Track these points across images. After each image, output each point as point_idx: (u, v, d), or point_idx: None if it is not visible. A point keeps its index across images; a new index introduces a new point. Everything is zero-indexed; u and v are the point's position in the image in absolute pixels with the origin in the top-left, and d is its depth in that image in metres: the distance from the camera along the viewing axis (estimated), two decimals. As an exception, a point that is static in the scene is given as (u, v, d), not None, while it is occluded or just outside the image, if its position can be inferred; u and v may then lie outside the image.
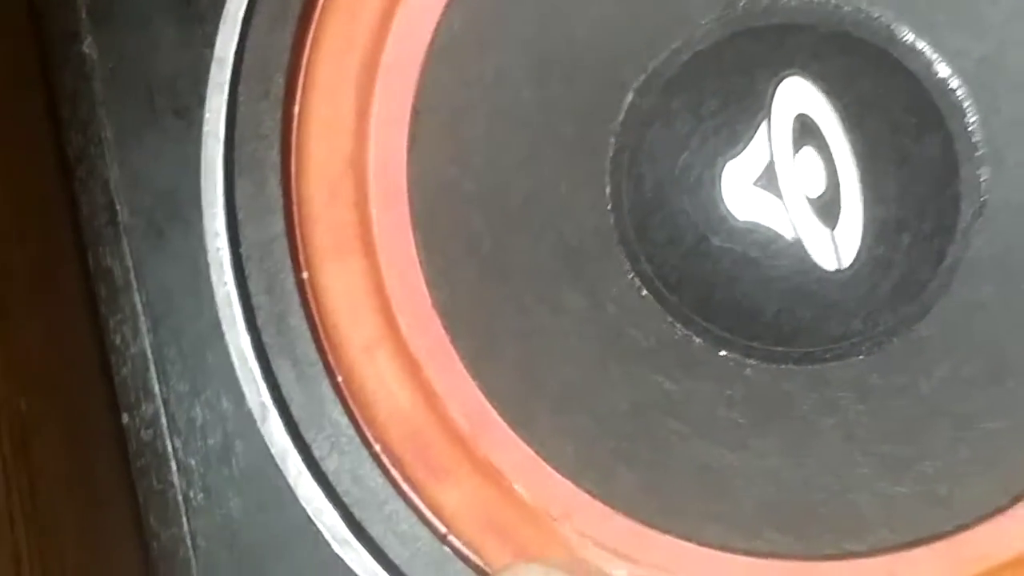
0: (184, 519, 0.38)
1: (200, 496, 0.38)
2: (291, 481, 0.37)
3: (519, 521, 0.37)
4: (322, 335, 0.38)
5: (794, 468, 0.39)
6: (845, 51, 0.40)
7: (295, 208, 0.37)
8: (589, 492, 0.38)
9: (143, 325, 0.39)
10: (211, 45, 0.38)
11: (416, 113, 0.38)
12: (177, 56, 0.39)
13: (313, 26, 0.37)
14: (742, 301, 0.40)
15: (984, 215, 0.39)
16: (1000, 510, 0.37)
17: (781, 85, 0.40)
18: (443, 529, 0.37)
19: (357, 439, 0.37)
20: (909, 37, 0.40)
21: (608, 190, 0.40)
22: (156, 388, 0.39)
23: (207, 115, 0.37)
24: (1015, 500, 0.37)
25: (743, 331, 0.40)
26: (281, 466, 0.37)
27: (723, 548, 0.37)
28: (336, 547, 0.37)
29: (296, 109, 0.38)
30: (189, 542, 0.38)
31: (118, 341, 0.39)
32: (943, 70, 0.40)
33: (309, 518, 0.37)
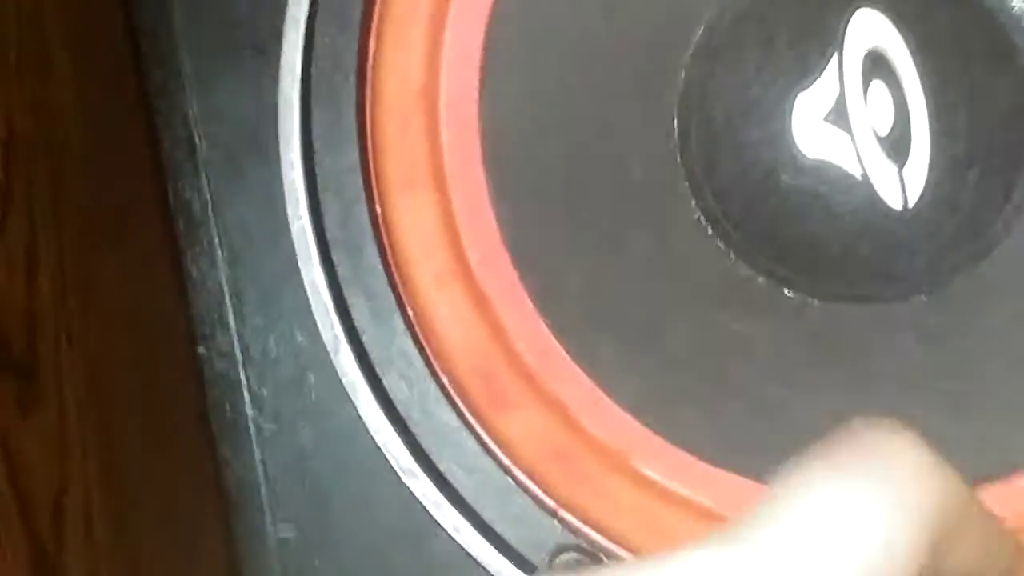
0: (256, 448, 0.39)
1: (272, 426, 0.40)
2: (361, 412, 0.38)
3: (583, 452, 0.38)
4: (394, 268, 0.38)
5: (854, 406, 0.39)
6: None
7: (369, 140, 0.38)
8: (650, 427, 0.38)
9: (220, 258, 0.40)
10: (284, -19, 0.38)
11: (488, 46, 0.38)
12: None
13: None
14: (808, 239, 0.40)
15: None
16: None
17: (853, 17, 0.40)
18: (507, 460, 0.38)
19: (426, 371, 0.38)
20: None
21: (676, 127, 0.40)
22: (231, 320, 0.40)
23: (284, 49, 0.38)
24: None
25: (808, 270, 0.40)
26: (352, 397, 0.38)
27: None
28: (403, 476, 0.38)
29: (371, 41, 0.38)
30: (260, 470, 0.40)
31: (195, 273, 0.40)
32: (1018, 4, 0.39)
33: (378, 448, 0.38)
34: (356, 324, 0.38)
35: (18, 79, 0.62)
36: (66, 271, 0.60)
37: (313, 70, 0.37)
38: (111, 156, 0.56)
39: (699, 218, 0.40)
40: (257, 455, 0.40)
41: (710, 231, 0.40)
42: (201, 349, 0.40)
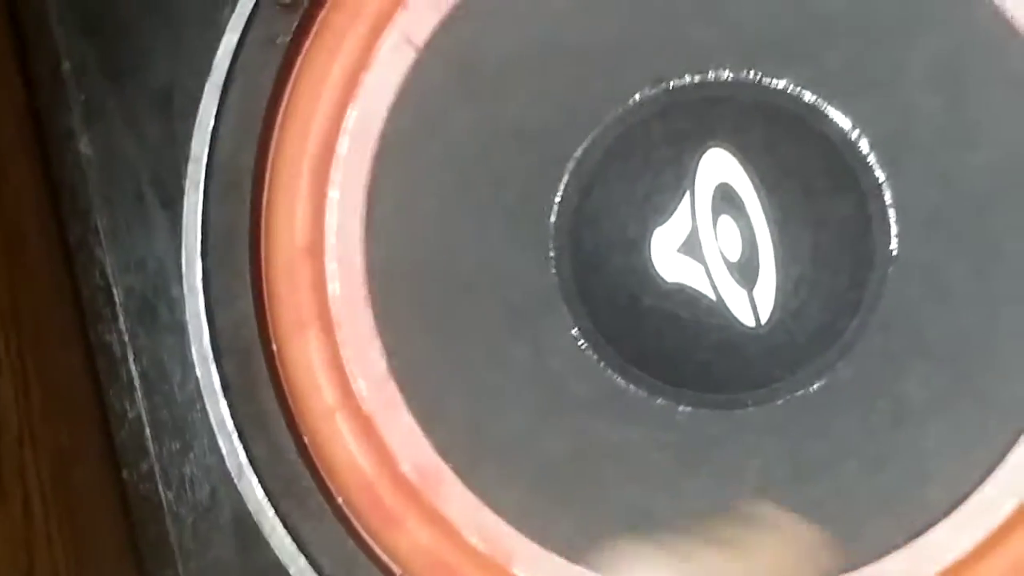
0: (179, 563, 0.44)
1: (191, 542, 0.44)
2: (266, 532, 0.42)
3: (466, 563, 0.42)
4: (289, 401, 0.43)
5: (718, 506, 0.43)
6: (765, 121, 0.43)
7: (263, 291, 0.42)
8: (529, 536, 0.42)
9: (138, 392, 0.44)
10: (190, 144, 0.43)
11: (370, 198, 0.43)
12: (163, 152, 0.44)
13: (276, 127, 0.42)
14: (674, 353, 0.44)
15: (896, 268, 0.43)
16: (897, 547, 0.41)
17: (704, 156, 0.44)
18: (398, 572, 0.42)
19: (320, 494, 0.42)
20: (824, 106, 0.43)
21: (552, 252, 0.44)
22: (151, 447, 0.44)
23: (186, 209, 0.42)
24: (912, 537, 0.41)
25: (675, 380, 0.44)
26: (257, 519, 0.42)
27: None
28: (306, 590, 0.42)
29: (263, 202, 0.42)
30: (185, 583, 0.44)
31: (117, 407, 0.44)
32: (857, 137, 0.43)
33: (282, 565, 0.42)
34: (254, 454, 0.42)
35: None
36: (28, 371, 0.64)
37: (211, 230, 0.41)
38: (62, 273, 0.60)
39: (574, 334, 0.44)
40: (180, 569, 0.44)
41: (585, 346, 0.44)
42: (125, 473, 0.44)
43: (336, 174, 0.43)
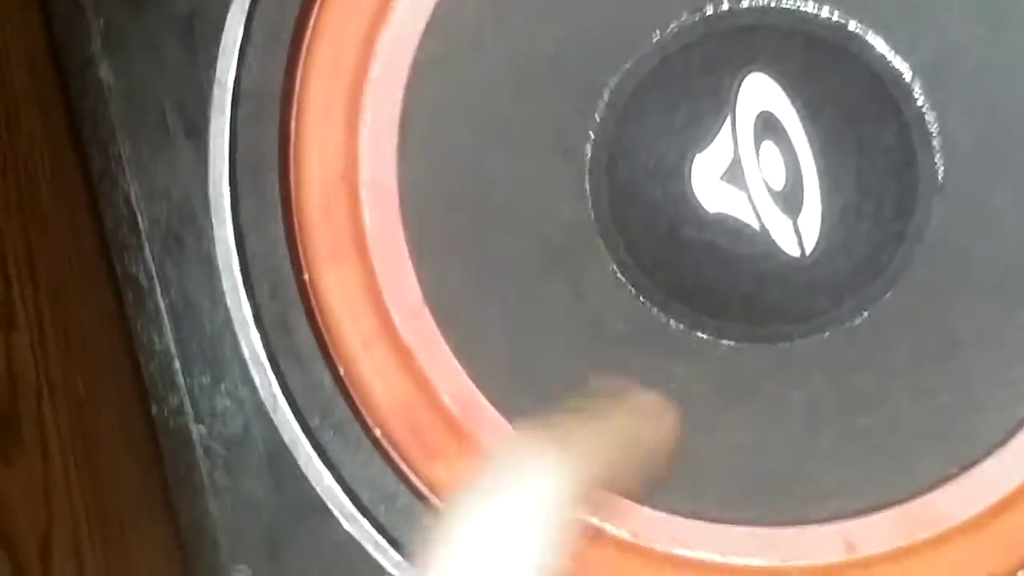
0: (210, 498, 0.43)
1: (223, 477, 0.43)
2: (302, 464, 0.41)
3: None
4: (324, 332, 0.42)
5: (761, 441, 0.42)
6: (805, 48, 0.42)
7: (295, 219, 0.41)
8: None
9: (167, 324, 0.43)
10: (214, 68, 0.41)
11: (403, 125, 0.42)
12: (185, 78, 0.43)
13: (304, 50, 0.41)
14: (716, 286, 0.43)
15: (940, 199, 0.42)
16: (950, 478, 0.40)
17: (744, 82, 0.43)
18: (438, 503, 0.41)
19: (358, 425, 0.41)
20: (865, 33, 0.42)
21: (588, 185, 0.43)
22: (181, 381, 0.43)
23: (212, 135, 0.41)
24: (965, 468, 0.40)
25: (716, 313, 0.43)
26: (292, 451, 0.41)
27: (693, 516, 0.41)
28: (345, 523, 0.41)
29: (292, 127, 0.41)
30: (214, 519, 0.43)
31: (145, 340, 0.43)
32: (900, 64, 0.42)
33: (319, 497, 0.41)
34: (289, 384, 0.41)
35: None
36: (44, 323, 0.63)
37: (238, 156, 0.40)
38: (80, 214, 0.59)
39: (613, 269, 0.43)
40: (211, 505, 0.43)
41: (624, 280, 0.43)
42: (155, 409, 0.43)
43: (368, 100, 0.41)
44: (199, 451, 0.43)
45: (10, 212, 0.62)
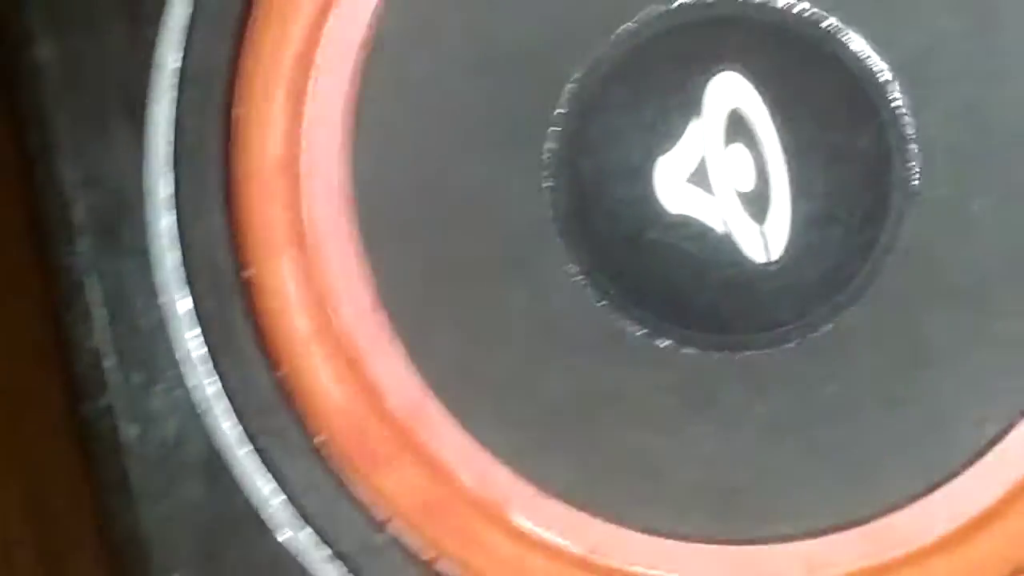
0: (141, 505, 0.40)
1: (156, 482, 0.40)
2: (238, 471, 0.39)
3: (458, 505, 0.39)
4: (265, 331, 0.39)
5: (722, 453, 0.40)
6: (778, 45, 0.41)
7: (236, 211, 0.39)
8: (524, 477, 0.39)
9: (98, 320, 0.40)
10: (157, 50, 0.39)
11: (354, 113, 0.40)
12: (127, 59, 0.40)
13: (250, 34, 0.39)
14: (677, 291, 0.41)
15: (914, 205, 0.40)
16: (920, 495, 0.39)
17: (713, 80, 0.41)
18: (382, 515, 0.39)
19: (300, 431, 0.39)
20: (843, 30, 0.41)
21: (547, 182, 0.41)
22: (113, 380, 0.41)
23: (151, 120, 0.39)
24: (935, 485, 0.39)
25: (678, 320, 0.41)
26: (229, 457, 0.39)
27: (648, 531, 0.39)
28: (279, 534, 0.39)
29: (235, 114, 0.39)
30: (147, 526, 0.41)
31: (75, 336, 0.41)
32: (877, 63, 0.41)
33: (255, 506, 0.39)
34: (227, 386, 0.38)
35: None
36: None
37: (179, 142, 0.38)
38: (6, 200, 0.57)
39: (573, 272, 0.41)
40: (143, 511, 0.41)
41: (583, 283, 0.41)
42: (84, 409, 0.41)
43: (315, 86, 0.39)
44: (131, 455, 0.41)
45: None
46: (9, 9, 0.41)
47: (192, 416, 0.40)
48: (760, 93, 0.40)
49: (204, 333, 0.39)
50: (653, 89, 0.40)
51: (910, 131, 0.40)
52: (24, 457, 0.63)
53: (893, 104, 0.40)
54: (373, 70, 0.40)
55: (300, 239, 0.39)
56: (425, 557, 0.39)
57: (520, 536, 0.40)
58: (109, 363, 0.41)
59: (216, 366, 0.39)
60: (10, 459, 0.64)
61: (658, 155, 0.40)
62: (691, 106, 0.40)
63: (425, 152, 0.40)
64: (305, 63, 0.39)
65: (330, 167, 0.39)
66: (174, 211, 0.39)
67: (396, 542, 0.39)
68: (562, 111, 0.41)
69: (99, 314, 0.41)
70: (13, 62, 0.41)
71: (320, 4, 0.40)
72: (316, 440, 0.39)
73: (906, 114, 0.40)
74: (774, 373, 0.41)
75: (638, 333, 0.41)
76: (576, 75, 0.41)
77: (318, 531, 0.40)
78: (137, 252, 0.40)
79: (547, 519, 0.40)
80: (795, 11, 0.40)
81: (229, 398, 0.39)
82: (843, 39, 0.40)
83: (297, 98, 0.39)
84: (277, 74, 0.39)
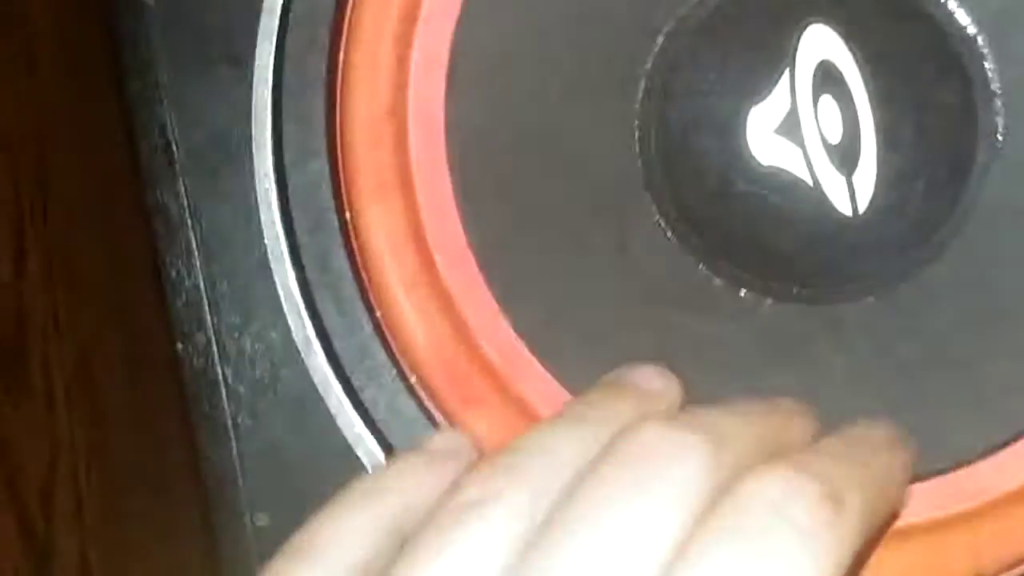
0: (232, 442, 0.41)
1: (248, 421, 0.41)
2: (332, 410, 0.40)
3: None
4: (363, 272, 0.40)
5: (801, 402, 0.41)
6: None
7: (339, 152, 0.39)
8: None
9: (197, 260, 0.41)
10: (261, -6, 0.40)
11: (452, 63, 0.40)
12: (230, 4, 0.41)
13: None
14: (763, 242, 0.42)
15: (998, 161, 0.41)
16: (997, 448, 0.39)
17: (804, 33, 0.41)
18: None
19: (394, 371, 0.40)
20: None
21: (636, 134, 0.42)
22: (208, 319, 0.41)
23: (257, 63, 0.40)
24: (1013, 438, 0.39)
25: (762, 272, 0.42)
26: (323, 395, 0.40)
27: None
28: (372, 470, 0.40)
29: (340, 58, 0.40)
30: (237, 463, 0.41)
31: (174, 275, 0.41)
32: (963, 17, 0.41)
33: (348, 444, 0.40)
34: (326, 326, 0.39)
35: (4, 74, 0.63)
36: (53, 263, 0.62)
37: (284, 85, 0.39)
38: (96, 155, 0.58)
39: (658, 221, 0.41)
40: (234, 449, 0.42)
41: (669, 234, 0.42)
42: (180, 347, 0.41)
43: (419, 34, 0.40)
44: (224, 393, 0.41)
45: (23, 148, 0.61)
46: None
47: (287, 356, 0.41)
48: (849, 46, 0.41)
49: (304, 274, 0.40)
50: (743, 42, 0.41)
51: (995, 86, 0.41)
52: (96, 405, 0.65)
53: (979, 59, 0.41)
54: (474, 21, 0.40)
55: (404, 184, 0.39)
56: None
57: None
58: (207, 302, 0.41)
59: (314, 306, 0.40)
60: (85, 408, 0.65)
61: (748, 106, 0.41)
62: (781, 59, 0.41)
63: (519, 101, 0.41)
64: (411, 13, 0.40)
65: (433, 114, 0.40)
66: (277, 154, 0.40)
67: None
68: (653, 64, 0.41)
69: (198, 254, 0.41)
70: (117, 6, 0.42)
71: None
72: (409, 380, 0.40)
73: (992, 69, 0.40)
74: (854, 326, 0.41)
75: (721, 283, 0.41)
76: (667, 28, 0.41)
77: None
78: (238, 195, 0.41)
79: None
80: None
81: (327, 338, 0.40)
82: (932, -6, 0.41)
83: (404, 46, 0.39)
84: (386, 23, 0.39)
